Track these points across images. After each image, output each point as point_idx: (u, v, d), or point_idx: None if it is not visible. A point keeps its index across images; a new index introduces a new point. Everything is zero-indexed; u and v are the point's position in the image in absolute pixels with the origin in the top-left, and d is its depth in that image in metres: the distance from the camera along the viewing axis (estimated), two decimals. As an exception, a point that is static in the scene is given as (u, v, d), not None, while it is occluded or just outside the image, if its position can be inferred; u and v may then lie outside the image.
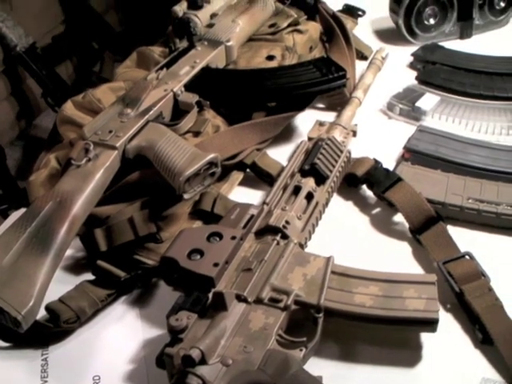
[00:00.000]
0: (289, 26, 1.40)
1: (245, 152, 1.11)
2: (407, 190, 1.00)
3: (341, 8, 1.61)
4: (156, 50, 1.36)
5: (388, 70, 1.38)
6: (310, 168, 1.00)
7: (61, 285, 0.90)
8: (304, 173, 1.00)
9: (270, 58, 1.31)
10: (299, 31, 1.39)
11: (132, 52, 1.39)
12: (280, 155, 1.13)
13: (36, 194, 1.05)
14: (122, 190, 1.01)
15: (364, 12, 1.61)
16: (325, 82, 1.17)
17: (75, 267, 0.98)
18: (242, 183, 1.11)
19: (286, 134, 1.19)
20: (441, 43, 1.47)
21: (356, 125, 1.15)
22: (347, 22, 1.52)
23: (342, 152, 1.05)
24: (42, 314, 0.85)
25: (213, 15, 1.38)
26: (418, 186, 1.01)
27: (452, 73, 1.34)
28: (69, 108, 1.17)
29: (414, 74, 1.36)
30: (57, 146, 1.15)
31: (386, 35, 1.55)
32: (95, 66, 2.91)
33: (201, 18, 1.36)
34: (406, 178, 1.02)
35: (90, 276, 0.93)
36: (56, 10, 2.79)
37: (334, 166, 1.03)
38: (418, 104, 1.24)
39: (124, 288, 0.93)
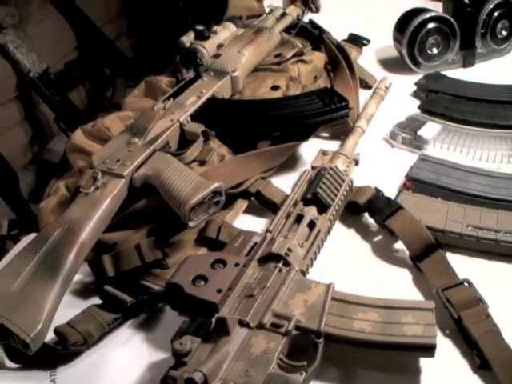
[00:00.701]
0: (294, 56, 1.42)
1: (249, 181, 1.12)
2: (407, 218, 1.01)
3: (346, 37, 1.62)
4: (164, 80, 1.38)
5: (391, 99, 1.39)
6: (313, 197, 1.01)
7: (69, 309, 0.91)
8: (306, 201, 1.02)
9: (275, 88, 1.33)
10: (304, 61, 1.41)
11: (143, 79, 1.41)
12: (284, 184, 1.13)
13: (46, 221, 1.06)
14: (129, 218, 1.02)
15: (369, 41, 1.62)
16: (327, 112, 1.19)
17: (83, 292, 0.99)
18: (247, 211, 1.12)
19: (290, 162, 1.20)
20: (444, 72, 1.49)
21: (358, 154, 1.17)
22: (352, 51, 1.54)
23: (343, 181, 1.07)
24: (50, 336, 0.86)
25: (219, 46, 1.39)
26: (419, 214, 1.02)
27: (453, 101, 1.35)
28: (78, 136, 1.19)
29: (417, 102, 1.38)
30: (66, 173, 1.17)
31: (389, 64, 1.57)
32: (107, 92, 2.95)
33: (207, 48, 1.37)
34: (407, 206, 1.03)
35: (97, 300, 0.94)
36: (69, 37, 2.83)
37: (335, 195, 1.04)
38: (419, 133, 1.25)
39: (130, 312, 0.94)
